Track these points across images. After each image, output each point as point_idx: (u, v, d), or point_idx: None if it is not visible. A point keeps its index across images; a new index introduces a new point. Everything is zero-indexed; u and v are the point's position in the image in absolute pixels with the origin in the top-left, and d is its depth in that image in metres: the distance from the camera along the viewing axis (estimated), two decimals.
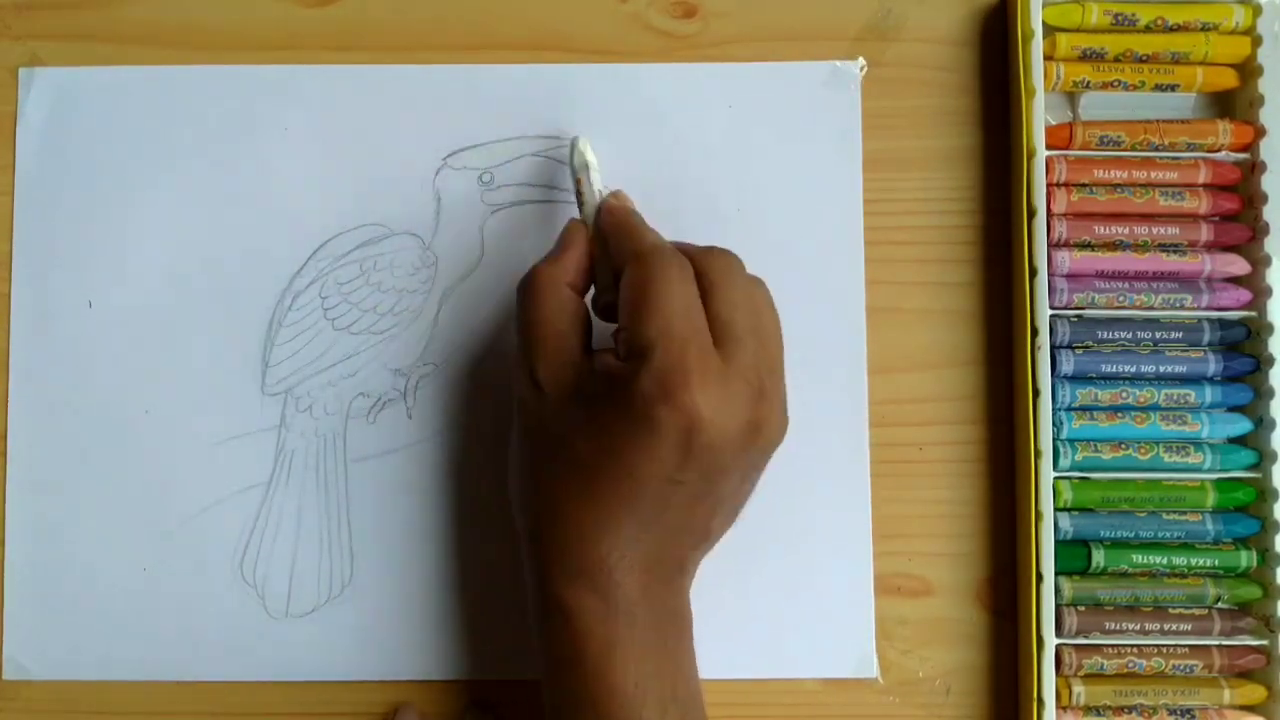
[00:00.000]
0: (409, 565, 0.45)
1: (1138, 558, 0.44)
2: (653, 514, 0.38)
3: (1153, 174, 0.45)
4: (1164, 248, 0.45)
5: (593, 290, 0.42)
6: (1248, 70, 0.46)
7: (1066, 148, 0.45)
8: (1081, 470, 0.45)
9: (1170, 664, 0.44)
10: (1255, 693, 0.44)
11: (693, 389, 0.37)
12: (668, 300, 0.38)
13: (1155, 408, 0.45)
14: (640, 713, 0.38)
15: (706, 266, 0.39)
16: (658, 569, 0.39)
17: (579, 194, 0.43)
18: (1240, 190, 0.46)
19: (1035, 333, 0.44)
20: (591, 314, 0.41)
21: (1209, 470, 0.45)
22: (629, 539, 0.38)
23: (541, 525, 0.40)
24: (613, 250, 0.41)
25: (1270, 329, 0.44)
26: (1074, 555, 0.44)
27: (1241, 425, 0.45)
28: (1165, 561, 0.44)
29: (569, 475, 0.39)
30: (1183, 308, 0.45)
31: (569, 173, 0.44)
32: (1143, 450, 0.44)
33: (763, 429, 0.38)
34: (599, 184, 0.43)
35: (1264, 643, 0.44)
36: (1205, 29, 0.45)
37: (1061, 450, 0.44)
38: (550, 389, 0.39)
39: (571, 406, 0.39)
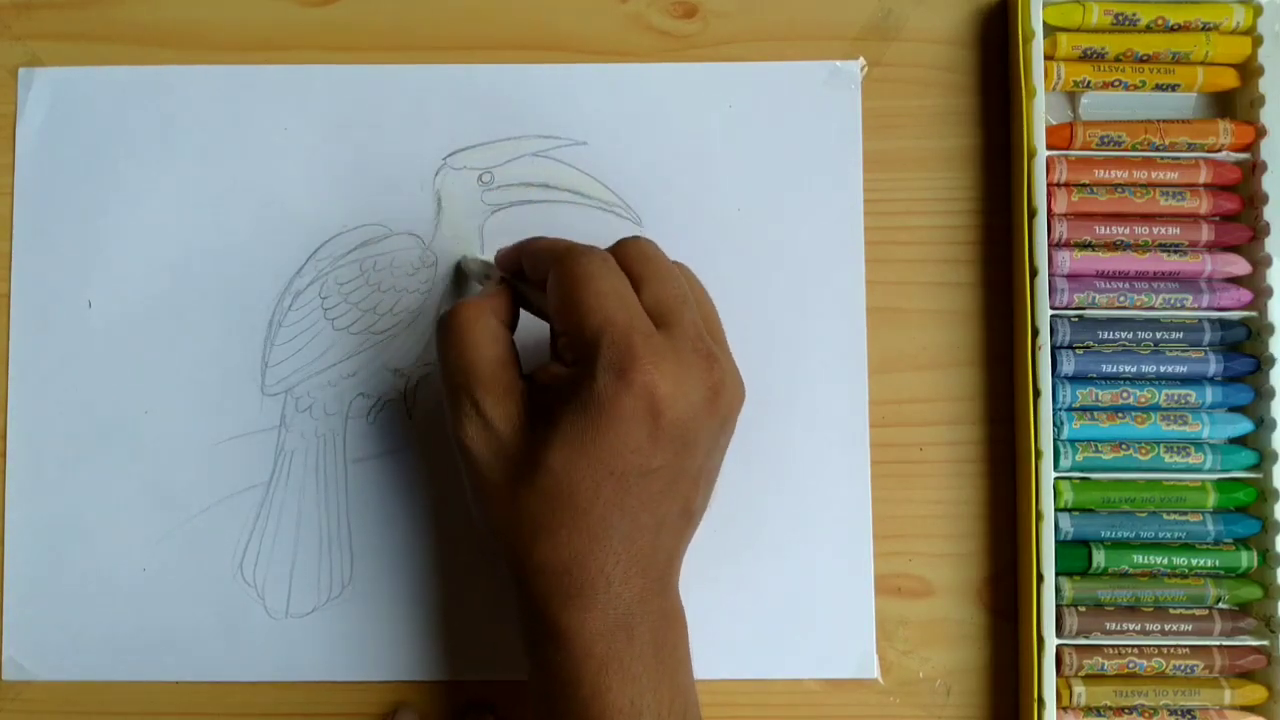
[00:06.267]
0: (409, 565, 0.45)
1: (1138, 558, 0.44)
2: (639, 510, 0.38)
3: (1153, 174, 0.45)
4: (1164, 248, 0.45)
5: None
6: (1248, 70, 0.46)
7: (1067, 148, 0.45)
8: (1082, 470, 0.45)
9: (1171, 664, 0.44)
10: (1256, 693, 0.44)
11: (648, 369, 0.37)
12: (601, 293, 0.38)
13: (1156, 408, 0.45)
14: None
15: (627, 257, 0.39)
16: (651, 569, 0.39)
17: (487, 279, 0.44)
18: (1241, 190, 0.46)
19: (1036, 333, 0.44)
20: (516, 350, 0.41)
21: (1209, 471, 0.45)
22: (623, 542, 0.38)
23: (531, 557, 0.38)
24: (530, 269, 0.41)
25: (1271, 329, 0.44)
26: (1074, 556, 0.44)
27: (1242, 425, 0.45)
28: (1166, 562, 0.44)
29: (548, 497, 0.38)
30: (1183, 308, 0.45)
31: (466, 277, 0.45)
32: (1143, 450, 0.44)
33: (722, 392, 0.38)
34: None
35: (1265, 643, 0.44)
36: (1206, 29, 0.45)
37: (1062, 450, 0.44)
38: (501, 421, 0.39)
39: (530, 429, 0.39)
